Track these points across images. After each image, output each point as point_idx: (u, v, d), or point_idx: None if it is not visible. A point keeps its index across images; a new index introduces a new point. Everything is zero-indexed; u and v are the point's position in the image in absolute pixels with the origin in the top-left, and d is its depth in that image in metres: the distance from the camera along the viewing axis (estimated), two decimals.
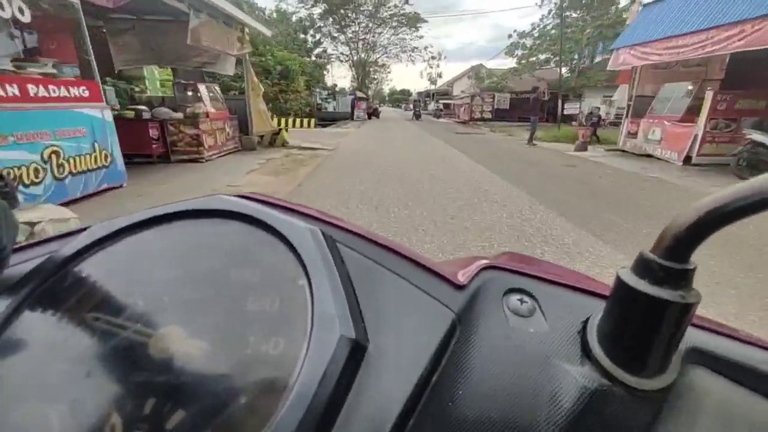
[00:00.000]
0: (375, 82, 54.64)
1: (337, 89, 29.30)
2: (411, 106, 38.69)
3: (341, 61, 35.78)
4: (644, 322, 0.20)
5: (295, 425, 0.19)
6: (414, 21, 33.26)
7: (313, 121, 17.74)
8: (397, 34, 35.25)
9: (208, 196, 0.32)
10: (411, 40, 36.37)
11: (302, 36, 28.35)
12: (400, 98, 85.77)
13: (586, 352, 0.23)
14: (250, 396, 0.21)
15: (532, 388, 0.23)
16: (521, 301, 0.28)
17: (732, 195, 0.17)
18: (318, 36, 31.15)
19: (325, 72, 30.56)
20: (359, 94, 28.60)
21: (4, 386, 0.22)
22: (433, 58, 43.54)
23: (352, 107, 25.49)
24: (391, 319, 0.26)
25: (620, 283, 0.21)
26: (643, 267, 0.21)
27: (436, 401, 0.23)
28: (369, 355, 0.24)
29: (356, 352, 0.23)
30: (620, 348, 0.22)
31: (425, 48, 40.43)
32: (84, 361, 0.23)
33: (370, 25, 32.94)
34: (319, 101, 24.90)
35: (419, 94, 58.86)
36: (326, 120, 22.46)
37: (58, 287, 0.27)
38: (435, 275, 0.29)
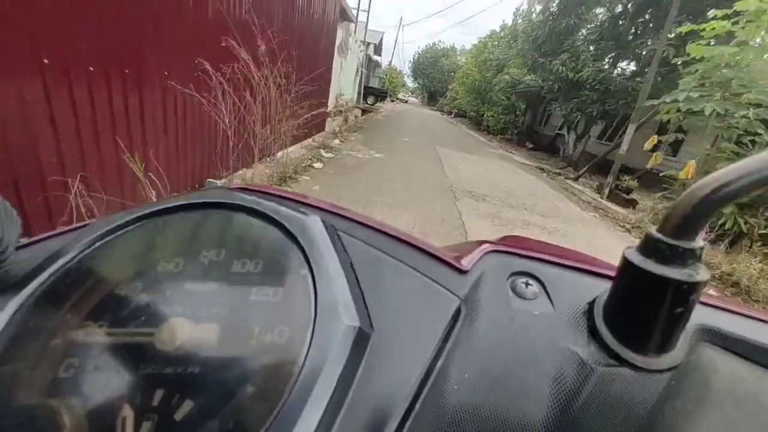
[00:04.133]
0: None
1: None
2: None
3: None
4: (651, 301, 0.20)
5: (301, 413, 0.19)
6: None
7: None
8: None
9: (209, 189, 0.32)
10: None
11: None
12: None
13: (592, 332, 0.23)
14: (256, 385, 0.21)
15: (537, 370, 0.23)
16: (526, 284, 0.28)
17: (737, 172, 0.17)
18: None
19: None
20: None
21: (13, 382, 0.23)
22: None
23: None
24: (395, 305, 0.26)
25: (627, 263, 0.21)
26: (649, 246, 0.20)
27: (442, 386, 0.23)
28: (373, 342, 0.24)
29: (360, 340, 0.23)
30: (627, 328, 0.22)
31: None
32: (91, 355, 0.23)
33: None
34: None
35: None
36: None
37: (61, 284, 0.27)
38: (439, 261, 0.29)
